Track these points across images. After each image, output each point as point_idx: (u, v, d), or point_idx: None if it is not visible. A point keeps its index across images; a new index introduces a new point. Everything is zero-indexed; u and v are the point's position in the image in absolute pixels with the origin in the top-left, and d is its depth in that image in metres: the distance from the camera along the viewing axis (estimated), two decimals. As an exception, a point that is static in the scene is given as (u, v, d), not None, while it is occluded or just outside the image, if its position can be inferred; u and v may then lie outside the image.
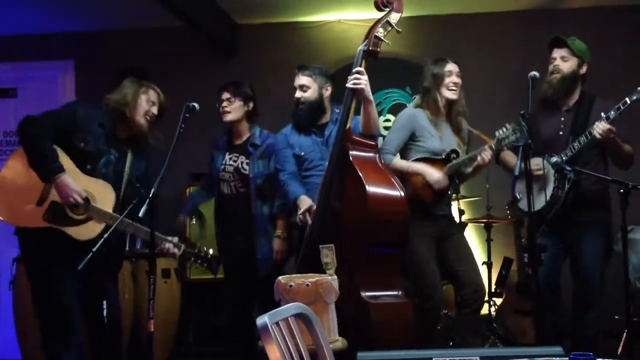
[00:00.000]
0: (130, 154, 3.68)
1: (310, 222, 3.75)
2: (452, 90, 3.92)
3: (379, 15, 3.57)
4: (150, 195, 3.16)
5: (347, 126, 3.60)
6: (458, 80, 3.94)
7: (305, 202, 3.87)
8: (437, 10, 5.78)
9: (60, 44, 6.08)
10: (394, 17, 3.53)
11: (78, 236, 3.44)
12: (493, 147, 3.74)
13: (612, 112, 3.60)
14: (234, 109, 4.25)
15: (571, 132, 3.83)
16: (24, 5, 5.37)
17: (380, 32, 3.52)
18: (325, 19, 5.96)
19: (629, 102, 3.58)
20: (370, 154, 3.61)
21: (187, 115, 3.40)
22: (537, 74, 3.45)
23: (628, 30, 5.69)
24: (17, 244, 3.60)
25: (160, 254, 3.63)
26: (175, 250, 3.62)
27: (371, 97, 3.58)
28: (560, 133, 3.87)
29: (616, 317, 4.41)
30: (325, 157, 3.83)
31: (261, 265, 4.19)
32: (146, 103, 3.64)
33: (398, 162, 3.90)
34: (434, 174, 3.82)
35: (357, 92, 3.54)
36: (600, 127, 3.60)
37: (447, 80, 3.92)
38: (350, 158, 3.53)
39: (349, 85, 3.54)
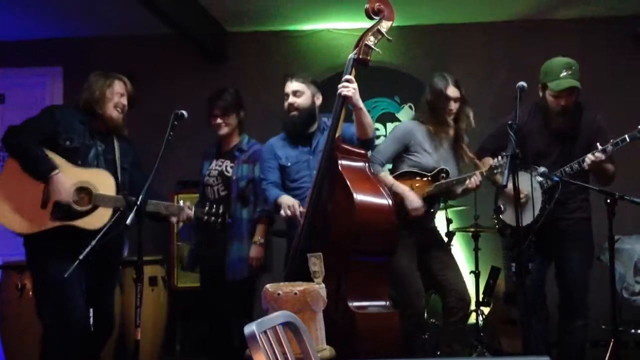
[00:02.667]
0: (116, 141, 3.76)
1: (298, 215, 3.70)
2: (448, 113, 3.93)
3: (368, 24, 3.58)
4: (138, 203, 3.16)
5: (337, 134, 3.59)
6: (454, 106, 3.91)
7: (287, 200, 3.79)
8: (425, 20, 5.81)
9: (49, 50, 6.07)
10: (385, 26, 3.52)
11: (89, 226, 3.50)
12: (485, 173, 3.79)
13: (610, 147, 3.57)
14: (229, 123, 4.23)
15: (562, 143, 3.84)
16: (12, 11, 5.35)
17: (370, 40, 3.50)
18: (314, 27, 5.98)
19: (628, 139, 3.56)
20: (360, 163, 3.60)
21: (176, 122, 3.41)
22: (525, 84, 3.42)
23: (613, 41, 5.74)
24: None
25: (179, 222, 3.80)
26: (189, 211, 3.72)
27: (361, 104, 3.58)
28: (550, 145, 3.87)
29: (603, 326, 4.42)
30: (312, 167, 3.80)
31: (228, 270, 4.11)
32: (113, 95, 3.70)
33: (385, 177, 3.89)
34: (414, 202, 3.83)
35: (346, 99, 3.55)
36: (591, 159, 3.61)
37: (446, 104, 3.90)
38: (339, 167, 3.52)
39: (338, 92, 3.54)
